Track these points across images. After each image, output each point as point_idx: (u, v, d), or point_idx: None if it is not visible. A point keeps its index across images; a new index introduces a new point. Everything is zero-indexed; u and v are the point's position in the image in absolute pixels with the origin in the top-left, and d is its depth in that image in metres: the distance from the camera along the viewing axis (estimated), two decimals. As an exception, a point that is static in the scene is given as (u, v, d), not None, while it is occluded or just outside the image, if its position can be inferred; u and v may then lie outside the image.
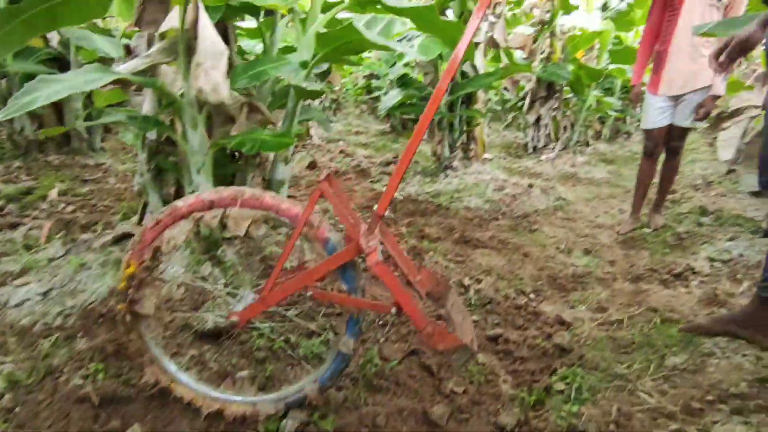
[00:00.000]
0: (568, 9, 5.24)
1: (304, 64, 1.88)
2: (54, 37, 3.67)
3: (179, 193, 2.08)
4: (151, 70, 1.87)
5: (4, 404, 1.33)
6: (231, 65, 1.86)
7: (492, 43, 4.64)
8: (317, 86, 1.80)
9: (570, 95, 6.06)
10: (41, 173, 3.31)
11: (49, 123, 3.64)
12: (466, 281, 2.22)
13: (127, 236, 2.08)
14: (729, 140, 3.49)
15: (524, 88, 6.27)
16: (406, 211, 3.48)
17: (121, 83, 1.57)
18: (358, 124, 8.85)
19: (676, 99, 2.72)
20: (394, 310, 1.20)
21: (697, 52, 2.61)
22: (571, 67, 5.26)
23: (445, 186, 3.89)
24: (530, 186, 3.88)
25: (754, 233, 2.58)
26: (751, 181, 2.99)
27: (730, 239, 2.58)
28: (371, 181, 4.27)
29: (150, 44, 1.86)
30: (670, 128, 2.79)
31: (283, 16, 2.09)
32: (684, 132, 2.78)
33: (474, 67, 4.13)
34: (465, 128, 4.30)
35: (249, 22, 2.78)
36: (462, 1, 3.83)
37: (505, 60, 5.19)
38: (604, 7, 6.32)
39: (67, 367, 1.48)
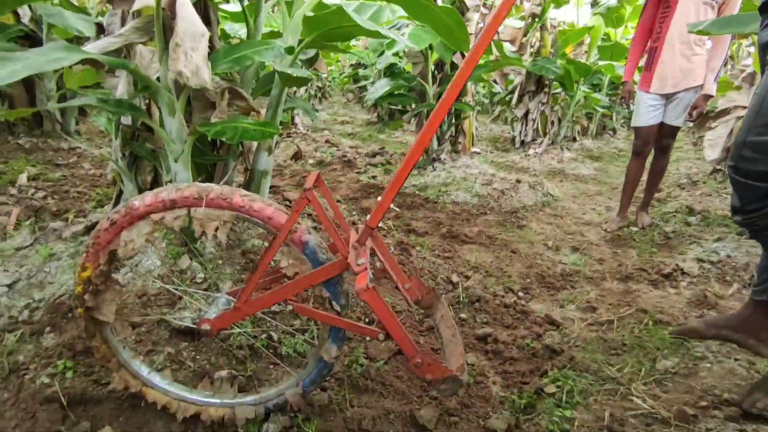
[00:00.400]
0: (558, 3, 5.19)
1: (290, 50, 1.79)
2: (26, 14, 3.47)
3: (157, 182, 1.98)
4: (124, 51, 1.76)
5: (-38, 405, 1.24)
6: (212, 48, 1.76)
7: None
8: (304, 73, 1.70)
9: (558, 90, 6.05)
10: (11, 156, 3.14)
11: (20, 103, 3.46)
12: (454, 278, 2.18)
13: (100, 226, 1.97)
14: (716, 140, 3.50)
15: (513, 81, 6.24)
16: (392, 203, 3.42)
17: (91, 63, 1.45)
18: (344, 113, 8.73)
19: (668, 97, 2.71)
20: (382, 336, 1.14)
21: (690, 50, 2.58)
22: (560, 62, 5.24)
23: (432, 179, 3.84)
24: (518, 181, 3.86)
25: (740, 234, 2.59)
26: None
27: (718, 240, 2.59)
28: (357, 172, 4.20)
29: (124, 22, 1.74)
30: (661, 126, 2.78)
31: (268, -1, 1.99)
32: (674, 130, 2.77)
33: (464, 57, 4.06)
34: (453, 121, 4.24)
35: (233, 6, 2.66)
36: (455, -11, 3.75)
37: (495, 52, 5.13)
38: (594, 3, 6.31)
39: (34, 364, 1.38)
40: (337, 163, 4.47)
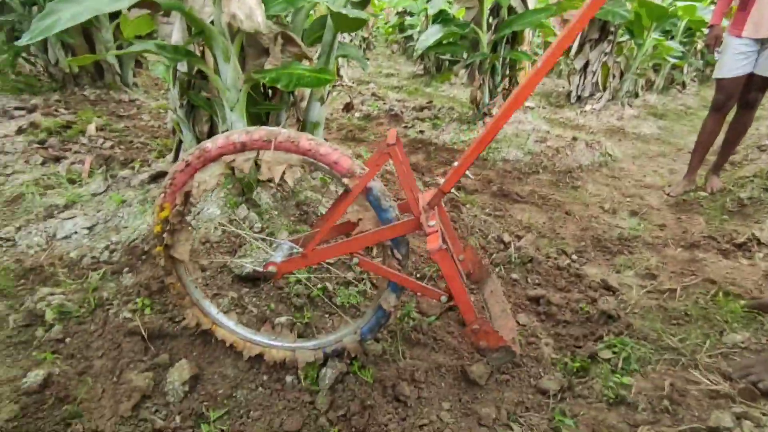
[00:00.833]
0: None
1: (342, -11, 1.72)
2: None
3: (213, 132, 2.02)
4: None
5: (53, 335, 1.37)
6: (264, -10, 1.71)
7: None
8: (359, 14, 1.62)
9: (624, 38, 5.56)
10: (79, 107, 3.30)
11: (81, 54, 3.58)
12: (506, 237, 2.15)
13: (163, 175, 2.06)
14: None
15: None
16: (440, 159, 3.36)
17: (147, 6, 1.45)
18: (389, 65, 8.48)
19: (763, 43, 2.38)
20: (444, 298, 1.15)
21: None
22: (630, 5, 4.76)
23: (483, 135, 3.71)
24: (574, 139, 3.67)
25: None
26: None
27: (799, 208, 2.39)
28: (404, 126, 4.12)
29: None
30: (750, 78, 2.45)
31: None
32: (766, 83, 2.45)
33: (523, 1, 3.77)
34: (507, 72, 4.01)
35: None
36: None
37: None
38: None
39: (116, 300, 1.51)
40: (384, 117, 4.40)
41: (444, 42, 3.93)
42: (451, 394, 1.30)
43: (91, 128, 2.74)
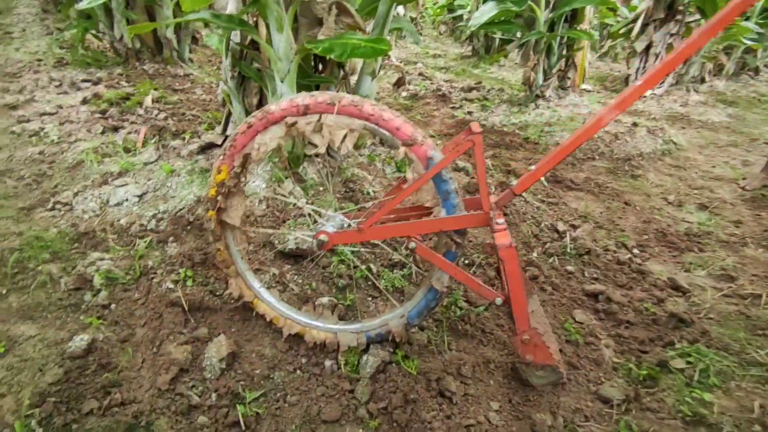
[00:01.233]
0: None
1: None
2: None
3: (262, 103, 1.97)
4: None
5: (100, 300, 1.38)
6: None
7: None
8: (418, -15, 1.51)
9: (694, 18, 5.10)
10: (138, 81, 3.36)
11: (144, 29, 3.64)
12: (560, 226, 2.00)
13: (211, 146, 2.04)
14: None
15: (636, 8, 5.35)
16: (490, 142, 3.20)
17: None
18: (435, 47, 8.21)
19: None
20: (499, 300, 1.10)
21: None
22: (705, -18, 4.35)
23: (534, 117, 3.51)
24: (634, 125, 3.40)
25: None
26: None
27: None
28: (452, 107, 3.96)
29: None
30: None
31: None
32: None
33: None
34: (564, 52, 3.76)
35: None
36: None
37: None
38: None
39: (160, 269, 1.50)
40: (431, 96, 4.25)
41: (498, 20, 3.71)
42: (501, 393, 1.20)
43: (148, 100, 2.78)
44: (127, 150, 2.20)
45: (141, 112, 2.67)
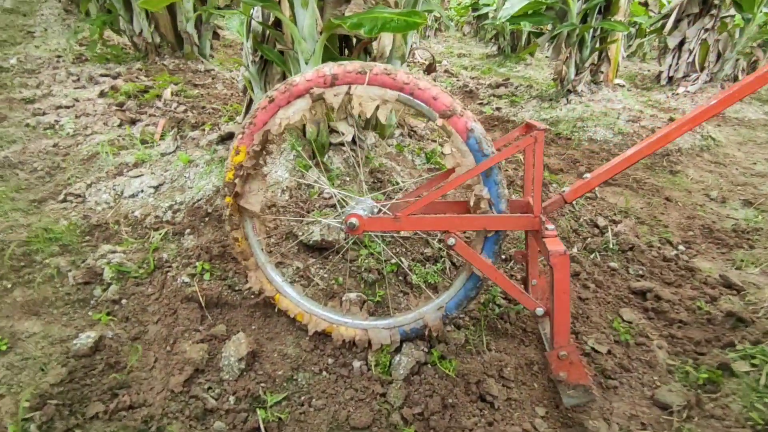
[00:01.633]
0: None
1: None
2: None
3: (284, 92, 1.89)
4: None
5: (110, 295, 1.30)
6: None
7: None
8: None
9: (730, 13, 4.88)
10: (158, 75, 3.33)
11: (164, 25, 3.60)
12: (600, 221, 1.87)
13: (232, 136, 1.97)
14: None
15: (665, 5, 5.16)
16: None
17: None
18: (459, 47, 8.10)
19: None
20: (540, 311, 1.02)
21: None
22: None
23: (566, 113, 3.37)
24: (671, 120, 3.24)
25: None
26: None
27: None
28: (480, 103, 3.85)
29: None
30: None
31: None
32: None
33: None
34: (597, 45, 3.61)
35: None
36: None
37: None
38: None
39: (176, 263, 1.42)
40: (458, 93, 4.14)
41: (528, 12, 3.59)
42: (546, 397, 1.09)
43: (167, 93, 2.73)
44: (144, 142, 2.15)
45: (159, 104, 2.62)
